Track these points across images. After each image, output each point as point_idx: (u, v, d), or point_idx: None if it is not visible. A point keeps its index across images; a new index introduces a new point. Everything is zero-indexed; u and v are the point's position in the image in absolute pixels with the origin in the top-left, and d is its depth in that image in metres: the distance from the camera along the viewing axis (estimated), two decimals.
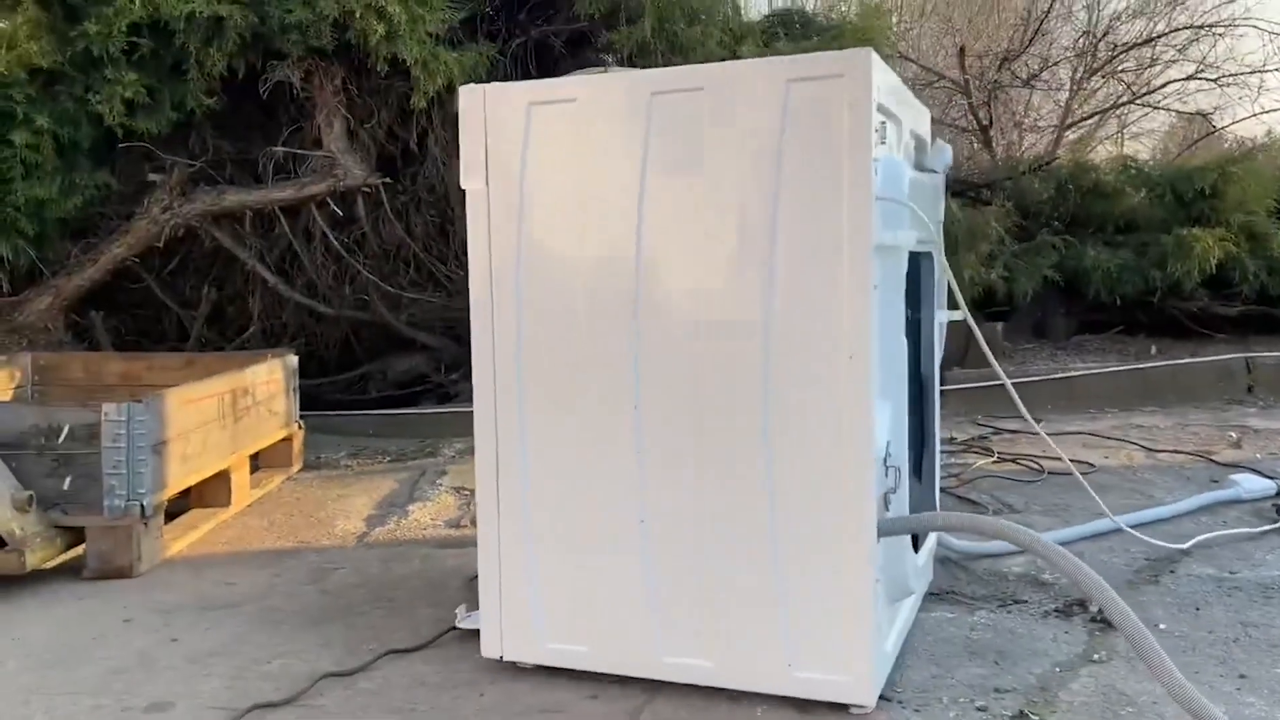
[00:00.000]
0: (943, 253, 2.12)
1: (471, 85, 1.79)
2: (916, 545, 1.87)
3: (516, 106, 1.73)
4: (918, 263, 1.91)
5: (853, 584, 1.58)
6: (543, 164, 1.72)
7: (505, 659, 1.81)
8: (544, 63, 4.48)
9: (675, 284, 1.65)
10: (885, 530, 1.60)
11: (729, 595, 1.64)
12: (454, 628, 2.00)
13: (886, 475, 1.61)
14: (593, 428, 1.70)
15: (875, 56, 1.53)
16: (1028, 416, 2.04)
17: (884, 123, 1.59)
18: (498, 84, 1.77)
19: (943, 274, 2.11)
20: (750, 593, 1.63)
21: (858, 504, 1.57)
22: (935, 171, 1.98)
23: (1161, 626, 1.98)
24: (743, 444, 1.62)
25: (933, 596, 2.16)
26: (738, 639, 1.65)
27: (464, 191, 1.78)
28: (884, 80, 1.60)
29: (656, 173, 1.64)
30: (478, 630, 1.86)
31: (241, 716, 1.70)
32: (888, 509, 1.62)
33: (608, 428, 1.69)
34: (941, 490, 3.04)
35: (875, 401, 1.56)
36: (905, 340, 1.65)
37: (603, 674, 1.77)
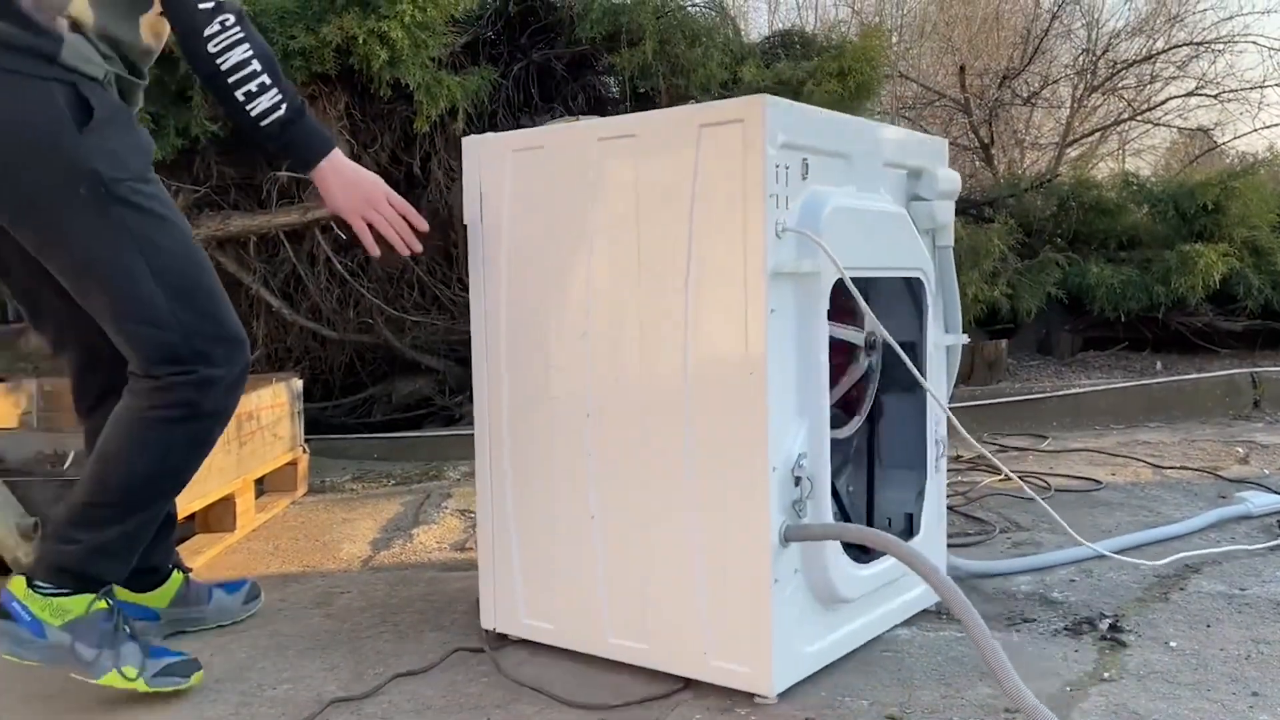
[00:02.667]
0: (944, 276, 2.14)
1: (472, 136, 2.06)
2: (868, 557, 1.99)
3: (502, 153, 2.00)
4: (905, 286, 2.08)
5: (753, 583, 1.74)
6: (519, 204, 1.99)
7: (496, 630, 2.09)
8: (545, 86, 4.50)
9: (617, 307, 1.87)
10: (791, 536, 1.74)
11: (659, 586, 1.85)
12: (458, 650, 2.00)
13: (798, 485, 1.75)
14: (558, 429, 1.96)
15: (782, 103, 1.71)
16: (966, 434, 2.03)
17: (805, 160, 1.76)
18: (490, 134, 2.04)
19: (938, 297, 2.14)
20: (674, 585, 1.83)
21: (757, 509, 1.73)
22: (927, 200, 2.06)
23: (1173, 644, 1.97)
24: (671, 450, 1.82)
25: (941, 616, 2.15)
26: (665, 626, 1.85)
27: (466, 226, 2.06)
28: (809, 122, 1.80)
29: (601, 209, 1.87)
30: (483, 650, 1.99)
31: None
32: (801, 517, 1.76)
33: (568, 429, 1.95)
34: (950, 509, 3.04)
35: (774, 415, 1.71)
36: (825, 360, 1.80)
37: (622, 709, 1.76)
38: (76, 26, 1.72)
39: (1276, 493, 2.94)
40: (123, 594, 2.01)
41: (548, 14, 4.51)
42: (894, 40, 9.77)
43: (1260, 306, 5.19)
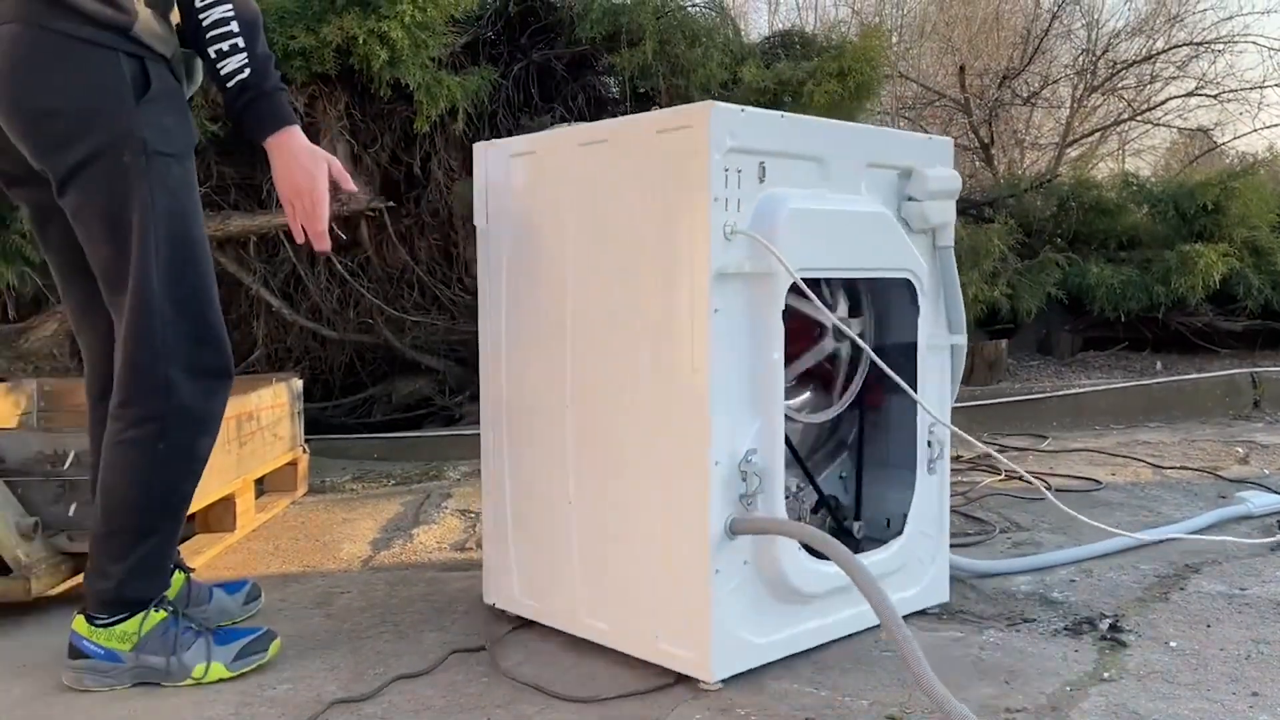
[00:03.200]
0: (945, 276, 2.14)
1: (481, 143, 2.19)
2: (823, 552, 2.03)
3: (503, 158, 2.13)
4: (888, 288, 2.14)
5: (696, 572, 1.81)
6: (517, 206, 2.12)
7: (496, 606, 2.23)
8: (545, 86, 4.50)
9: (591, 304, 1.97)
10: (737, 529, 1.80)
11: (620, 570, 1.95)
12: (455, 651, 2.01)
13: (746, 480, 1.80)
14: (543, 418, 2.08)
15: (731, 109, 1.77)
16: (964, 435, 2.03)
17: (762, 163, 1.82)
18: (497, 140, 2.17)
19: (938, 297, 2.15)
20: (633, 570, 1.92)
21: (699, 502, 1.80)
22: (917, 200, 2.07)
23: (1173, 644, 1.97)
24: (632, 442, 1.91)
25: (941, 616, 2.15)
26: (624, 608, 1.95)
27: (474, 225, 2.23)
28: (766, 126, 1.83)
29: (579, 211, 1.97)
30: (482, 649, 2.01)
31: None
32: (751, 511, 1.82)
33: (551, 418, 2.06)
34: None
35: (717, 411, 1.77)
36: (778, 359, 1.83)
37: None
38: (151, 4, 1.79)
39: (1277, 493, 2.94)
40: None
41: (548, 14, 4.51)
42: (894, 40, 9.78)
43: (1260, 306, 5.19)
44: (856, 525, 2.21)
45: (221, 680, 1.91)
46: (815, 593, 1.94)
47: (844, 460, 2.29)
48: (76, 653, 1.88)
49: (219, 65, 1.80)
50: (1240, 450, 3.76)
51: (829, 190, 1.95)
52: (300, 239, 1.96)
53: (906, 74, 8.82)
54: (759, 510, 1.83)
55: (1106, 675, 1.85)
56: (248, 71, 1.80)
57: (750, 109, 1.82)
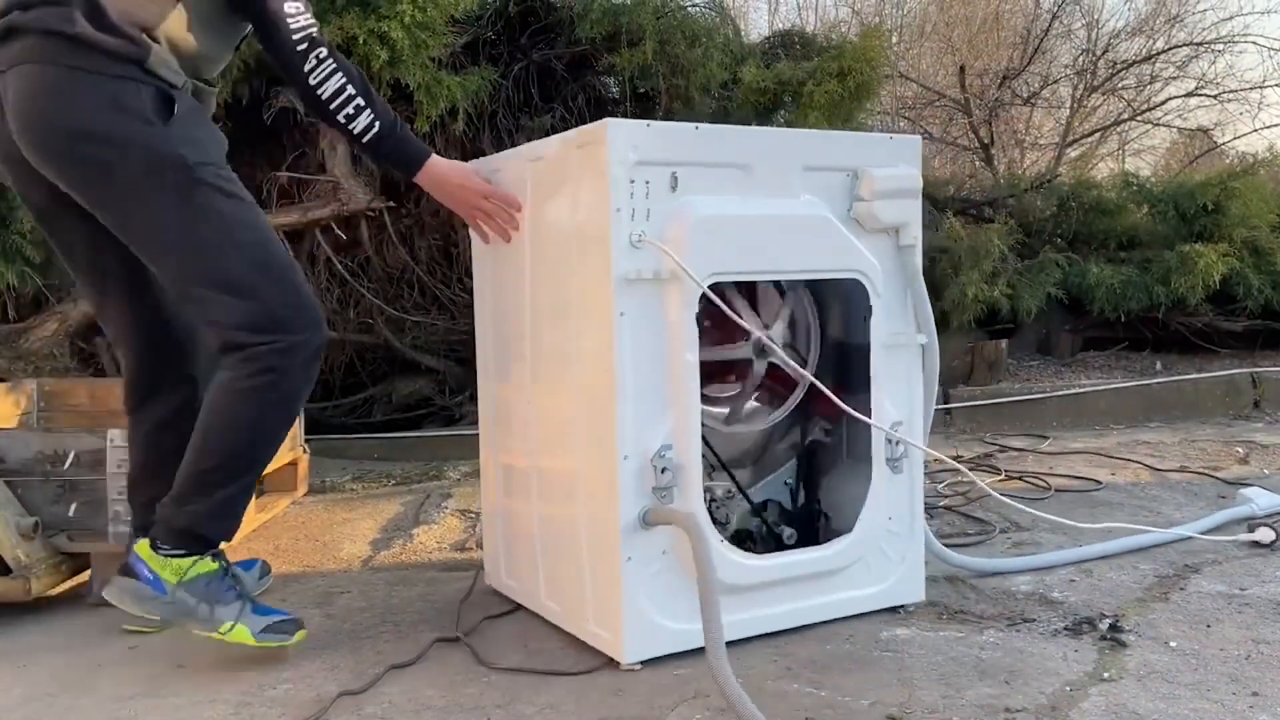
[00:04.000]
0: (908, 275, 2.14)
1: (480, 159, 2.35)
2: (755, 546, 2.20)
3: (486, 172, 2.24)
4: (841, 288, 2.18)
5: (610, 559, 1.94)
6: None
7: (493, 587, 2.40)
8: (545, 86, 4.50)
9: (543, 302, 2.13)
10: (651, 520, 1.90)
11: (563, 555, 2.09)
12: (450, 638, 2.00)
13: (663, 473, 1.90)
14: (515, 410, 2.26)
15: (632, 124, 1.89)
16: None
17: (674, 173, 1.92)
18: (491, 156, 2.34)
19: (905, 296, 2.16)
20: (573, 557, 2.05)
21: (610, 492, 1.92)
22: (865, 200, 2.08)
23: (1173, 644, 1.97)
24: (569, 432, 2.05)
25: (941, 616, 2.16)
26: (568, 592, 2.09)
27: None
28: (676, 138, 1.94)
29: (533, 219, 2.14)
30: (457, 639, 2.01)
31: None
32: (668, 503, 1.91)
33: (521, 411, 2.23)
34: (948, 509, 3.04)
35: (624, 408, 1.89)
36: (691, 359, 1.93)
37: None
38: (162, 41, 1.92)
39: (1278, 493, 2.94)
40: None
41: (548, 14, 4.50)
42: (894, 40, 9.78)
43: (1260, 306, 5.18)
44: (787, 532, 2.24)
45: (243, 645, 1.97)
46: (742, 585, 2.00)
47: (791, 466, 2.35)
48: (129, 571, 1.98)
49: (350, 127, 2.00)
50: (1240, 450, 3.77)
51: (756, 195, 2.01)
52: (488, 241, 2.27)
53: (906, 74, 8.82)
54: (674, 503, 1.91)
55: (1106, 675, 1.85)
56: (377, 124, 2.02)
57: (657, 123, 1.94)
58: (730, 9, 5.27)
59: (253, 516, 3.00)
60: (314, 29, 1.98)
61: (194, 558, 1.97)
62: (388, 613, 2.29)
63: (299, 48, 1.95)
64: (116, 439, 2.37)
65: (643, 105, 4.52)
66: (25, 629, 2.25)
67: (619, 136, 1.87)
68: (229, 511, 2.01)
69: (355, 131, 2.01)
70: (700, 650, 1.73)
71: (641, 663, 1.91)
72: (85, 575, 2.42)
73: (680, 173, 1.92)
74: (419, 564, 2.69)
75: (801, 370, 2.15)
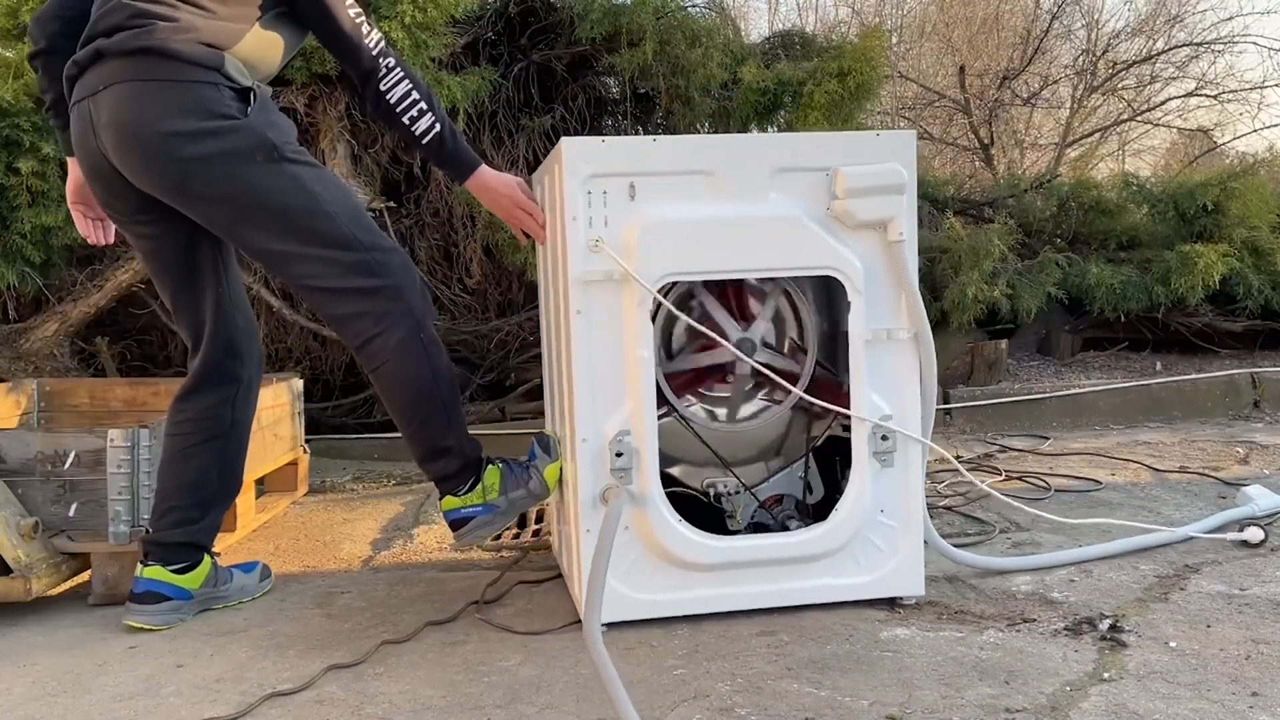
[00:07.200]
0: (897, 271, 2.15)
1: (527, 176, 2.72)
2: (727, 528, 2.30)
3: (534, 185, 2.43)
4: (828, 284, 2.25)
5: (574, 529, 2.15)
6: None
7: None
8: (545, 86, 4.50)
9: (550, 301, 2.37)
10: (610, 498, 2.05)
11: (567, 526, 2.27)
12: (429, 624, 2.00)
13: (618, 457, 2.06)
14: (548, 373, 2.54)
15: (585, 142, 2.06)
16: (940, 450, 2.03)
17: (632, 183, 2.06)
18: (538, 170, 2.48)
19: (895, 291, 2.17)
20: (567, 527, 2.26)
21: (572, 469, 2.13)
22: (839, 198, 2.11)
23: (1172, 644, 1.97)
24: (563, 417, 2.23)
25: (941, 616, 2.16)
26: (566, 555, 2.31)
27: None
28: (632, 151, 2.08)
29: (548, 229, 2.30)
30: (453, 620, 1.94)
31: None
32: (627, 484, 2.06)
33: (549, 375, 2.52)
34: (948, 509, 3.04)
35: (581, 396, 2.07)
36: (645, 355, 2.06)
37: None
38: (236, 55, 2.12)
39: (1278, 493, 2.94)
40: (163, 575, 2.25)
41: (548, 14, 4.51)
42: (894, 40, 9.78)
43: (1260, 307, 5.18)
44: (793, 523, 2.26)
45: (553, 483, 2.26)
46: (700, 563, 2.11)
47: (806, 460, 2.39)
48: (459, 523, 2.24)
49: (413, 128, 2.18)
50: (1240, 450, 3.76)
51: (722, 199, 2.09)
52: (525, 242, 2.54)
53: (906, 74, 8.83)
54: (632, 485, 2.07)
55: (1106, 675, 1.85)
56: (439, 127, 2.20)
57: (613, 139, 2.13)
58: (730, 9, 5.27)
59: (253, 516, 3.01)
60: (383, 40, 2.19)
61: (488, 469, 2.24)
62: (388, 613, 2.29)
63: (374, 59, 2.16)
64: (116, 439, 2.38)
65: (643, 106, 4.52)
66: (26, 629, 2.25)
67: (572, 153, 2.04)
68: (465, 426, 2.25)
69: (418, 133, 2.18)
70: (699, 644, 1.73)
71: (606, 625, 2.03)
72: (86, 575, 2.42)
73: (638, 182, 2.06)
74: (419, 564, 2.69)
75: (772, 374, 2.23)
